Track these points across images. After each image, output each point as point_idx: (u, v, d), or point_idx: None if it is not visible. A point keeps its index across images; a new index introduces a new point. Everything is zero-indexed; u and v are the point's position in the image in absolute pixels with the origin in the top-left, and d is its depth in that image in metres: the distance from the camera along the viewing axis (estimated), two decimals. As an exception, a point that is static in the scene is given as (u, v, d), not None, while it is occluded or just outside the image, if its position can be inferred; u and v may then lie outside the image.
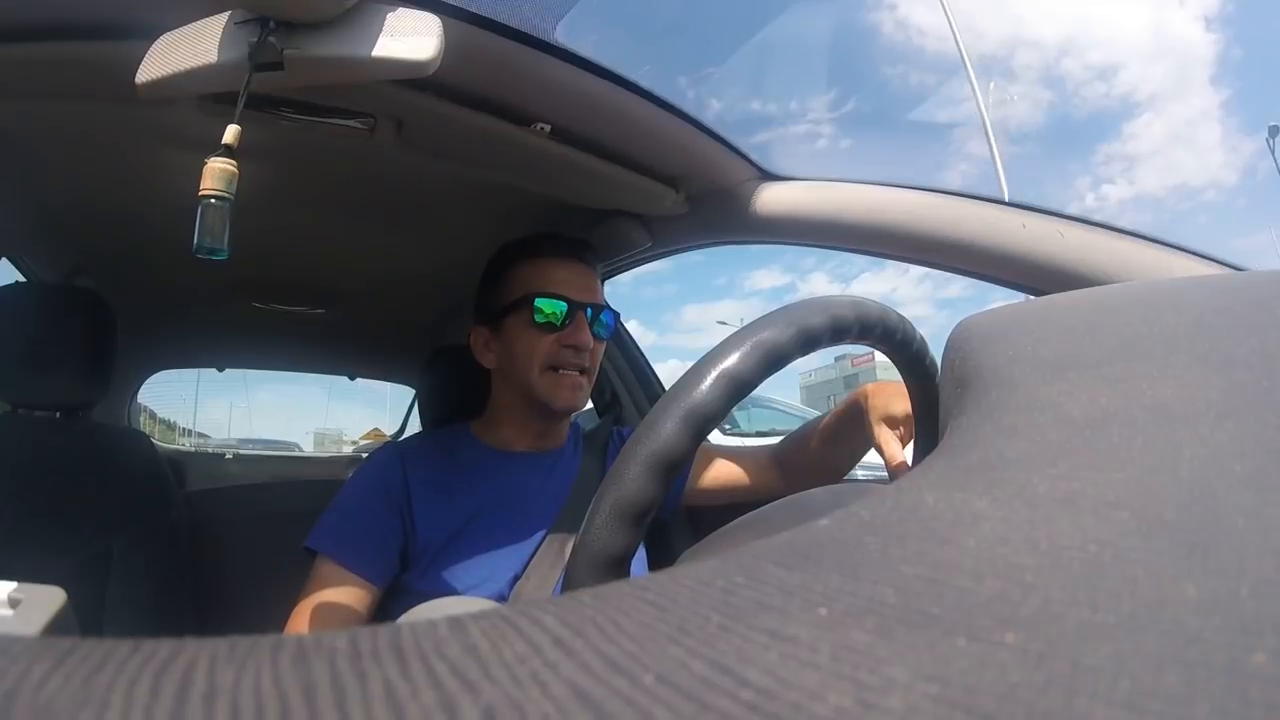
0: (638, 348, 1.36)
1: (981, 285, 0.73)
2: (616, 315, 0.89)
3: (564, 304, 0.82)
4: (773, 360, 0.39)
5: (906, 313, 0.45)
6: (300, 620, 0.71)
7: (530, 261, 0.85)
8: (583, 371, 0.83)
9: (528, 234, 0.89)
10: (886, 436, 0.70)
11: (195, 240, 0.48)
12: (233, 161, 0.49)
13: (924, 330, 0.46)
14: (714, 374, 0.38)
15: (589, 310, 0.84)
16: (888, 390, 0.72)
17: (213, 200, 0.48)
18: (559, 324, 0.82)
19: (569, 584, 0.38)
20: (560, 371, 0.82)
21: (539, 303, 0.81)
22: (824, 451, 0.84)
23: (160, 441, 2.86)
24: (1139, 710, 0.09)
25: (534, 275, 0.84)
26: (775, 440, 0.95)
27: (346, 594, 0.73)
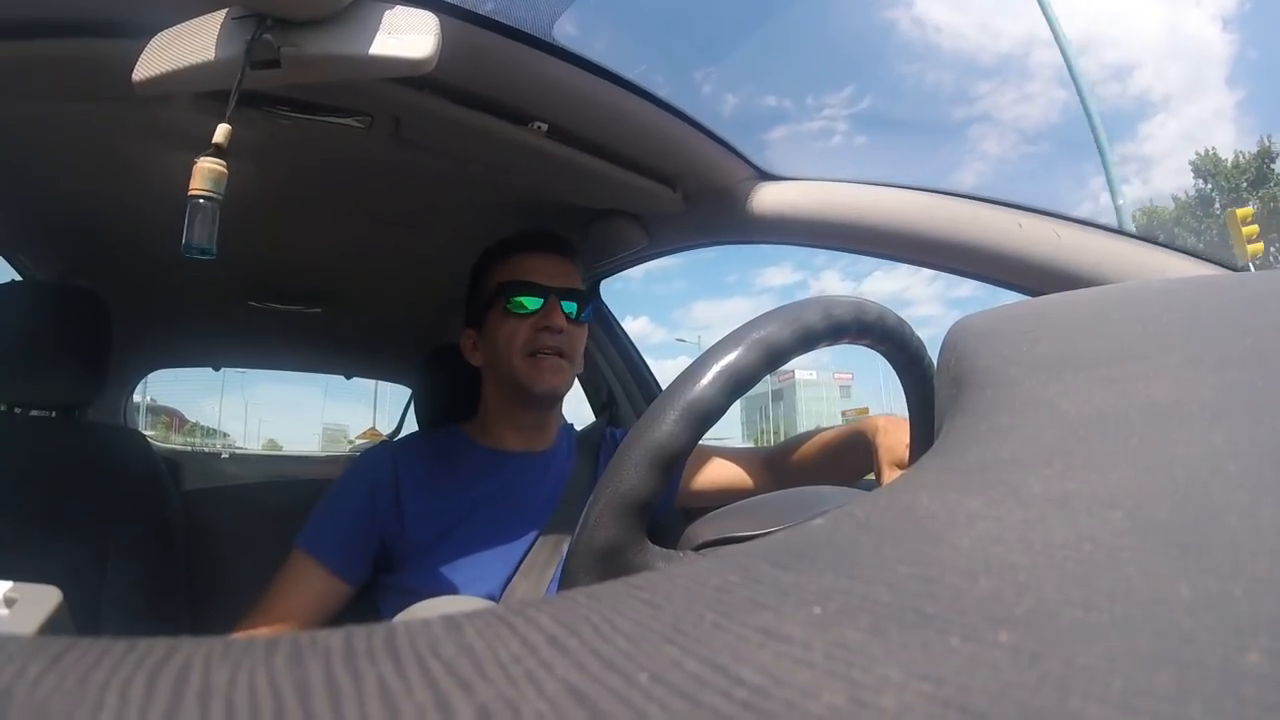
0: (634, 348, 1.36)
1: (991, 285, 0.72)
2: (594, 300, 0.92)
3: (535, 289, 0.85)
4: (773, 357, 0.39)
5: (917, 312, 0.46)
6: (265, 604, 0.74)
7: (504, 258, 0.88)
8: (561, 354, 0.85)
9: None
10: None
11: (184, 239, 0.49)
12: (221, 161, 0.50)
13: (934, 329, 0.46)
14: (715, 369, 0.38)
15: (561, 295, 0.86)
16: (900, 429, 0.69)
17: (201, 200, 0.49)
18: (532, 310, 0.84)
19: (568, 579, 0.38)
20: (539, 355, 0.84)
21: (511, 291, 0.85)
22: (819, 468, 0.85)
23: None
24: (1132, 710, 0.09)
25: (507, 268, 0.87)
26: None
27: (313, 584, 0.76)
